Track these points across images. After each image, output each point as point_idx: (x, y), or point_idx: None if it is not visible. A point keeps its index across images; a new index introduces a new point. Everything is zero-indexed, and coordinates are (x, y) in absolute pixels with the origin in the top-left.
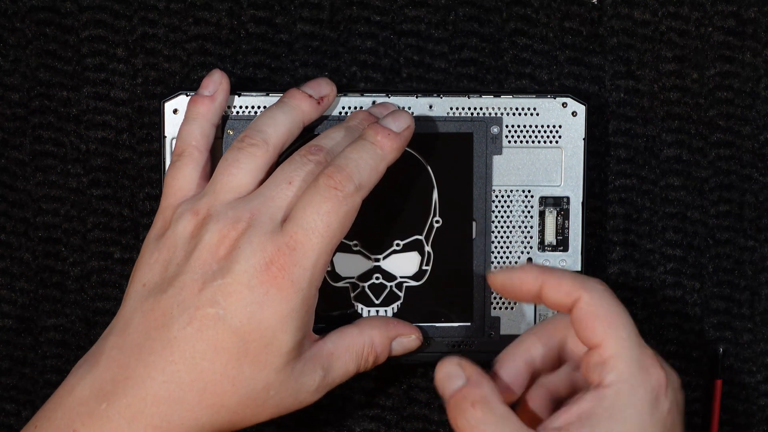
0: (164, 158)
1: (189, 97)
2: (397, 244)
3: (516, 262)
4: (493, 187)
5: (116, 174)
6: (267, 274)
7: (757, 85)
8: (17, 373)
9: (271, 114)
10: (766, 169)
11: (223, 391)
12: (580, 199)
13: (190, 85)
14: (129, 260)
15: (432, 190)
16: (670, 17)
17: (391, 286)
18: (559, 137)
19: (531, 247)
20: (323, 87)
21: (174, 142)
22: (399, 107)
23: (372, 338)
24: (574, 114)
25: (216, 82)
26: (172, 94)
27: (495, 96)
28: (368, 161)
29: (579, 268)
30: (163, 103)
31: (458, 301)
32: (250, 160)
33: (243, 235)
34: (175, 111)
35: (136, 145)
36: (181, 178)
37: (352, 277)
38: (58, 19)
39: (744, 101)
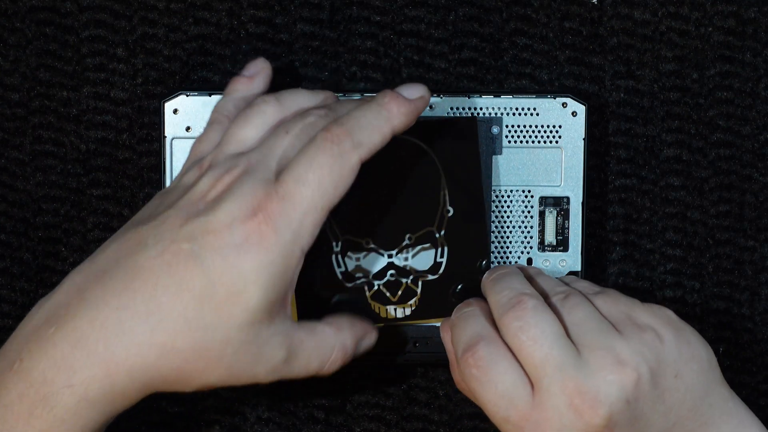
0: (164, 158)
1: (189, 97)
2: (410, 238)
3: (516, 262)
4: (493, 187)
5: (116, 174)
6: (252, 220)
7: (757, 85)
8: None
9: (295, 89)
10: (766, 169)
11: (176, 331)
12: (580, 199)
13: (190, 85)
14: None
15: (440, 180)
16: (670, 17)
17: (407, 282)
18: (559, 137)
19: (531, 247)
20: (329, 99)
21: (174, 142)
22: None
23: (344, 342)
24: (574, 114)
25: (258, 67)
26: (172, 94)
27: (495, 96)
28: (371, 120)
29: (579, 268)
30: (163, 103)
31: (476, 291)
32: (258, 116)
33: (236, 180)
34: (175, 111)
35: (136, 145)
36: (205, 141)
37: (367, 276)
38: (58, 19)
39: (744, 101)
